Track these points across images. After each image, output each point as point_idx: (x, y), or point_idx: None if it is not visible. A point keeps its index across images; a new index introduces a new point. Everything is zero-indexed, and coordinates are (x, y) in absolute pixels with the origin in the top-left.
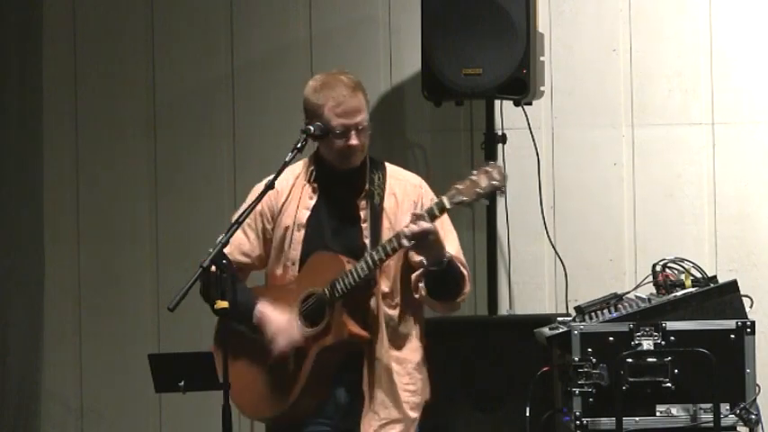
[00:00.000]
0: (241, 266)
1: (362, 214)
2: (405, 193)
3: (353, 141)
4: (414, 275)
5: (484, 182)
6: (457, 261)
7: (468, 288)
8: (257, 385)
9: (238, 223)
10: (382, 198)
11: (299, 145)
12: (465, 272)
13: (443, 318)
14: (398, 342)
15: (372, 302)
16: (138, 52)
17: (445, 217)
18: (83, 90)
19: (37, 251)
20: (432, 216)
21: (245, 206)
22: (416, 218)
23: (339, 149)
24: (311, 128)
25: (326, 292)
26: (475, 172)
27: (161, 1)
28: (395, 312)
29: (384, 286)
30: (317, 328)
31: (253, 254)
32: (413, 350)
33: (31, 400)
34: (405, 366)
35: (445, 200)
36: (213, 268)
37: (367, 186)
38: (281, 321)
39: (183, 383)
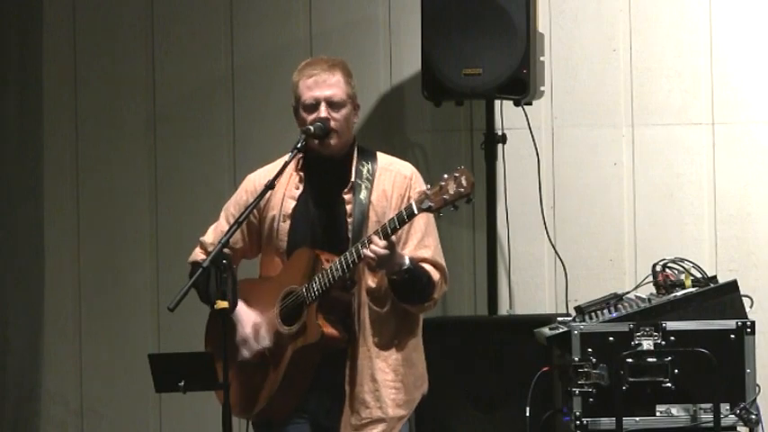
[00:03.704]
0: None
1: (348, 208)
2: (394, 186)
3: (322, 114)
4: None
5: (452, 189)
6: (430, 265)
7: (438, 293)
8: (237, 384)
9: (238, 223)
10: (370, 191)
11: (299, 145)
12: (436, 276)
13: (443, 318)
14: (386, 339)
15: (354, 302)
16: (138, 52)
17: (424, 218)
18: (83, 90)
19: (37, 251)
20: (400, 221)
21: (235, 197)
22: (369, 240)
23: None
24: (311, 128)
25: (304, 291)
26: (446, 176)
27: (161, 1)
28: (383, 310)
29: (371, 282)
30: (293, 327)
31: (235, 245)
32: (402, 346)
33: (31, 400)
34: (391, 363)
35: (414, 206)
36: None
37: (353, 178)
38: (251, 327)
39: (183, 383)
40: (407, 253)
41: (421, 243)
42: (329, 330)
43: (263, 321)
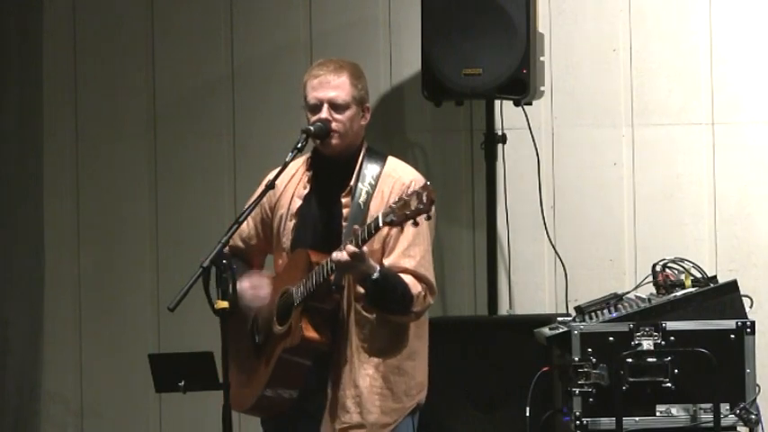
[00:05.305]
0: (241, 251)
1: (345, 212)
2: (392, 192)
3: (323, 115)
4: None
5: (413, 205)
6: (411, 276)
7: (419, 306)
8: (233, 378)
9: (238, 222)
10: (371, 195)
11: (299, 145)
12: (415, 290)
13: (443, 318)
14: (376, 345)
15: (343, 306)
16: (138, 52)
17: (415, 227)
18: (83, 90)
19: (37, 251)
20: (368, 233)
21: (252, 198)
22: (344, 246)
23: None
24: (311, 128)
25: (293, 292)
26: (410, 192)
27: (161, 1)
28: (372, 315)
29: (360, 288)
30: (282, 328)
31: (250, 241)
32: (393, 353)
33: (31, 400)
34: (380, 370)
35: (380, 218)
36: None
37: (352, 182)
38: (251, 284)
39: (183, 383)
40: (390, 261)
41: (406, 252)
42: (310, 333)
43: (258, 285)
